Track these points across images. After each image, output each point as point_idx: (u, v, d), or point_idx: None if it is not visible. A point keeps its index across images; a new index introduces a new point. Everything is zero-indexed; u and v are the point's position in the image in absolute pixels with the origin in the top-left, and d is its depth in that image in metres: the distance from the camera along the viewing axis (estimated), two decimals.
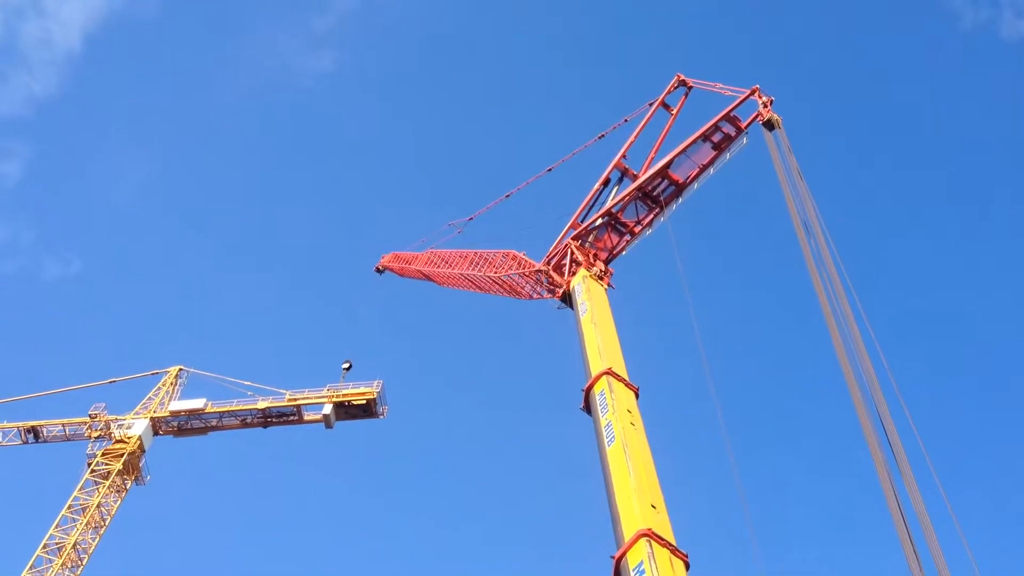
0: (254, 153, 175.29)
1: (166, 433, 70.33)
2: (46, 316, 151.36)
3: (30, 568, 60.40)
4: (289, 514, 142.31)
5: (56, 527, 62.60)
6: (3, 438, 69.14)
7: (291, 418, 70.04)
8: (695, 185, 52.30)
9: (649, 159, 54.12)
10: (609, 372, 39.55)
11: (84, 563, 62.43)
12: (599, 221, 53.56)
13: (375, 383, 70.05)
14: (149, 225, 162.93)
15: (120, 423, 68.81)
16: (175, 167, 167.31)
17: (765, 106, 47.58)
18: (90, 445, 68.04)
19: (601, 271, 51.34)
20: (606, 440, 36.30)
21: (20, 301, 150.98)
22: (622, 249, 53.84)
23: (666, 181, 52.51)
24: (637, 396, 39.81)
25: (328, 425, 69.49)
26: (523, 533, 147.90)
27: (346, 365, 71.60)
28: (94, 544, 63.40)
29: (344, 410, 69.67)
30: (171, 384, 71.82)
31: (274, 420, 70.26)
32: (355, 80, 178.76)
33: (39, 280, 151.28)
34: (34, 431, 69.20)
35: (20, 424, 69.05)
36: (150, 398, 70.92)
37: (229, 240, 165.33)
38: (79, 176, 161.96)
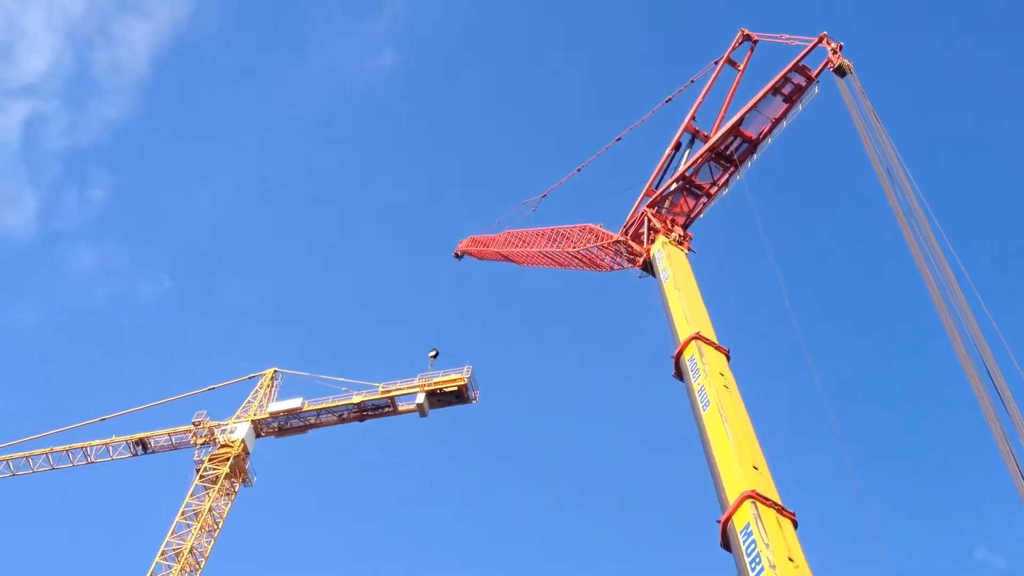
0: (324, 155, 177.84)
1: (267, 434, 71.94)
2: (144, 333, 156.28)
3: (151, 574, 62.42)
4: (392, 504, 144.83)
5: (172, 533, 64.54)
6: (114, 452, 71.42)
7: (386, 410, 70.96)
8: (769, 140, 51.38)
9: (719, 118, 53.28)
10: (698, 336, 39.18)
11: (202, 566, 64.34)
12: (674, 186, 52.97)
13: (465, 369, 70.57)
14: (231, 236, 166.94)
15: (223, 428, 70.60)
16: (250, 178, 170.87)
17: (835, 52, 46.44)
18: (196, 452, 70.01)
19: (680, 236, 50.82)
20: (701, 405, 36.01)
21: (118, 321, 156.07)
22: (699, 212, 53.20)
23: (739, 139, 51.68)
24: (728, 358, 39.38)
25: (422, 414, 70.22)
26: (626, 505, 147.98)
27: (433, 353, 72.24)
28: (209, 547, 65.28)
29: (437, 398, 70.28)
30: (268, 386, 73.35)
31: (370, 413, 71.27)
32: (415, 74, 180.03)
33: (134, 300, 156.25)
34: (142, 443, 71.37)
35: (128, 437, 71.25)
36: (249, 401, 72.59)
37: (309, 241, 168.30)
38: (161, 196, 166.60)
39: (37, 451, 71.11)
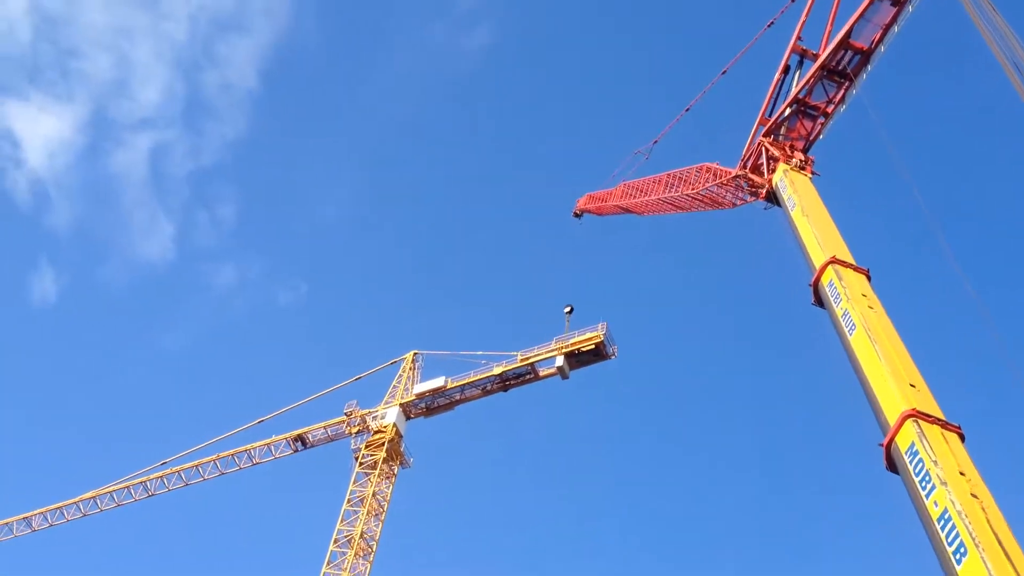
0: (432, 139, 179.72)
1: (416, 415, 73.55)
2: (288, 337, 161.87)
3: (328, 563, 64.82)
4: (545, 467, 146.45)
5: (341, 521, 66.81)
6: (276, 451, 74.24)
7: (528, 377, 71.54)
8: (881, 48, 49.23)
9: (826, 34, 51.17)
10: (834, 260, 38.16)
11: (374, 549, 66.47)
12: (788, 111, 51.43)
13: (599, 326, 70.46)
14: (356, 233, 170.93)
15: (374, 415, 72.52)
16: (366, 172, 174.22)
17: None
18: (352, 440, 72.16)
19: (801, 161, 49.39)
20: (846, 330, 35.10)
21: (263, 329, 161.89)
22: (818, 134, 51.54)
23: (849, 52, 49.66)
24: (869, 278, 38.23)
25: (563, 376, 70.52)
26: (780, 442, 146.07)
27: (568, 310, 72.39)
28: (378, 530, 67.34)
29: (575, 358, 70.43)
30: (410, 369, 74.86)
31: (512, 382, 71.99)
32: (509, 43, 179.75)
33: (275, 307, 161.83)
34: (301, 439, 73.93)
35: (287, 435, 73.90)
36: (395, 386, 74.26)
37: (430, 225, 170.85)
38: (286, 204, 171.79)
39: (206, 459, 74.42)
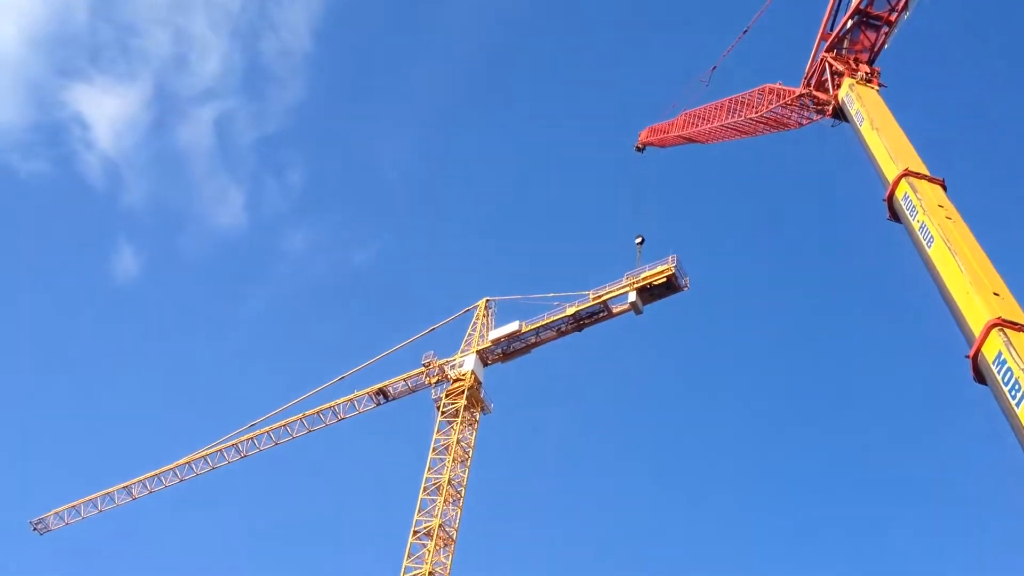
0: (492, 85, 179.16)
1: (494, 361, 74.08)
2: (365, 294, 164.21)
3: (418, 510, 66.12)
4: (625, 402, 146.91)
5: (429, 469, 67.92)
6: (360, 405, 75.55)
7: (601, 315, 71.45)
8: None
9: None
10: (907, 173, 37.17)
11: (463, 494, 67.56)
12: (849, 23, 49.76)
13: (670, 258, 70.00)
14: (423, 185, 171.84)
15: (452, 364, 73.23)
16: (429, 123, 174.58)
17: None
18: (433, 391, 73.06)
19: (867, 74, 47.91)
20: (925, 243, 34.26)
21: (340, 289, 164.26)
22: (883, 44, 49.84)
23: None
24: (944, 188, 37.18)
25: (637, 311, 70.29)
26: (865, 362, 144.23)
27: (638, 240, 71.89)
28: (465, 476, 68.36)
29: (648, 292, 70.11)
30: (484, 316, 75.28)
31: (586, 321, 71.98)
32: None
33: (349, 266, 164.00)
34: (383, 392, 75.04)
35: (369, 389, 75.08)
36: (470, 334, 74.79)
37: (495, 171, 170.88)
38: (352, 163, 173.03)
39: (292, 418, 76.12)
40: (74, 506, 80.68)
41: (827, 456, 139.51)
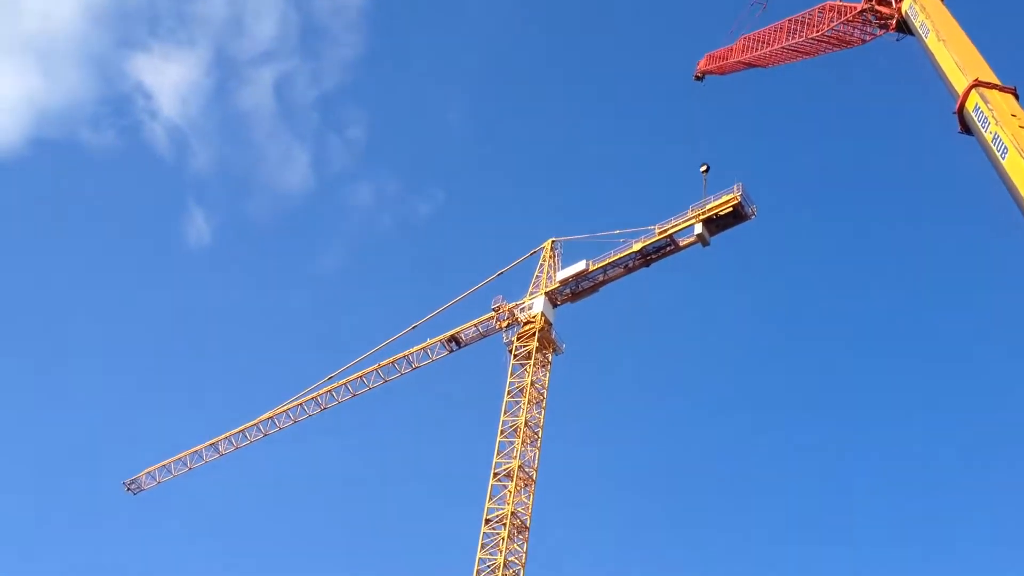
0: (547, 26, 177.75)
1: (563, 302, 74.12)
2: (432, 243, 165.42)
3: (497, 452, 66.92)
4: (696, 335, 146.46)
5: (505, 412, 68.55)
6: (433, 353, 76.33)
7: (668, 249, 70.88)
8: None
9: None
10: (977, 83, 36.12)
11: (540, 435, 68.18)
12: None
13: (735, 187, 68.98)
14: (484, 132, 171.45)
15: (521, 307, 73.45)
16: (486, 72, 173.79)
17: None
18: (504, 335, 73.49)
19: None
20: (999, 154, 33.35)
21: (407, 240, 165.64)
22: None
23: None
24: (1017, 97, 36.01)
25: (704, 243, 69.57)
26: (936, 282, 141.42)
27: (703, 168, 70.67)
28: (541, 417, 68.90)
29: (714, 223, 69.29)
30: (550, 257, 75.18)
31: (654, 256, 71.50)
32: None
33: (416, 219, 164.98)
34: (455, 339, 75.65)
35: (441, 337, 75.74)
36: (538, 276, 74.85)
37: (554, 111, 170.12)
38: (413, 116, 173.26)
39: (368, 369, 77.28)
40: (165, 465, 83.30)
41: (918, 385, 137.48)
